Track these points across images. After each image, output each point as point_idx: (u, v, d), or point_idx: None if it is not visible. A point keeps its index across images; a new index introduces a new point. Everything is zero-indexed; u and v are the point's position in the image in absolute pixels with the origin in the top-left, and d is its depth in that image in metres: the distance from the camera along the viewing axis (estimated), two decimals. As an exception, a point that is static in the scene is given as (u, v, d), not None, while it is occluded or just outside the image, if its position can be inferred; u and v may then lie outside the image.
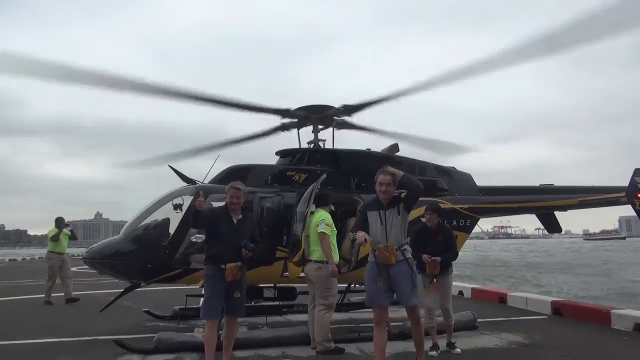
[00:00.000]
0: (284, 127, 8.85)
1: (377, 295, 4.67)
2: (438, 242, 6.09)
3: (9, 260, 41.88)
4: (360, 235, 4.65)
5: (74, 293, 11.24)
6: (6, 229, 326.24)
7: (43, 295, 11.06)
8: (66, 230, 11.63)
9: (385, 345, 4.70)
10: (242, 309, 5.18)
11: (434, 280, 6.12)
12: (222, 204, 5.38)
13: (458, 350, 5.97)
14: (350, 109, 8.33)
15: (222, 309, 5.00)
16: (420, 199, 7.39)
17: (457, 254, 6.39)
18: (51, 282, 11.13)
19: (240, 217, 5.18)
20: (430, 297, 6.15)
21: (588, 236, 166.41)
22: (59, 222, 11.46)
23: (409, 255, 4.72)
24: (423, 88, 7.64)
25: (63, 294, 11.10)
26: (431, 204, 6.43)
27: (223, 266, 4.88)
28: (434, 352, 5.91)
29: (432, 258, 5.94)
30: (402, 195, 4.81)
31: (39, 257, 37.28)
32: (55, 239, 11.36)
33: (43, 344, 6.72)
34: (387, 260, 4.57)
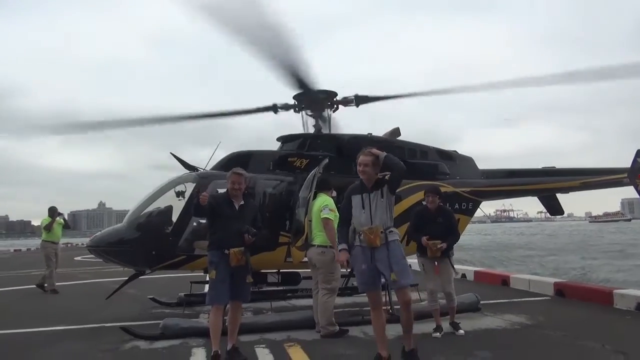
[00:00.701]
0: (276, 109, 8.87)
1: (366, 280, 4.64)
2: (439, 224, 6.08)
3: (14, 250, 42.17)
4: (341, 259, 4.70)
5: (77, 282, 11.31)
6: (10, 219, 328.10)
7: (46, 285, 11.15)
8: (59, 219, 11.70)
9: (384, 328, 4.66)
10: (247, 294, 5.21)
11: (436, 263, 6.13)
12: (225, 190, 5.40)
13: (461, 331, 6.00)
14: (358, 100, 8.43)
15: (227, 294, 5.04)
16: (421, 183, 7.41)
17: (459, 236, 6.40)
18: (50, 270, 11.23)
19: (242, 203, 5.19)
20: (432, 280, 6.17)
21: (593, 218, 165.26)
22: (52, 212, 11.55)
23: (392, 238, 4.57)
24: (428, 93, 8.34)
25: (39, 281, 11.26)
26: (431, 187, 6.43)
27: (227, 252, 4.91)
28: (438, 334, 5.95)
29: (440, 245, 5.92)
30: (386, 177, 4.72)
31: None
32: (48, 228, 11.45)
33: (50, 331, 6.79)
34: (373, 243, 4.51)
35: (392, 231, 4.61)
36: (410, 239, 6.42)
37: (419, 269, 6.49)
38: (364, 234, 4.55)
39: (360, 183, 4.74)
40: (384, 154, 4.65)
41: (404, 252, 4.68)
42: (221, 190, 6.29)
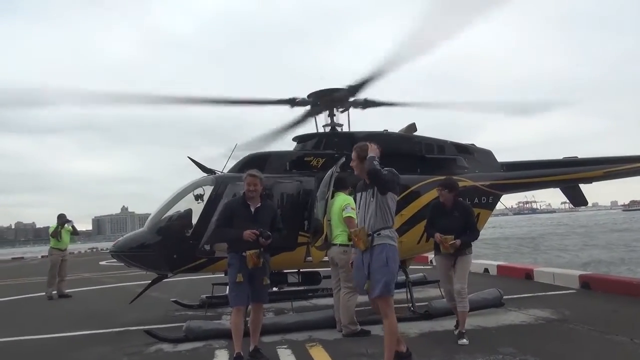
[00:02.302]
0: (293, 102, 8.82)
1: (359, 284, 4.51)
2: (454, 218, 5.81)
3: (42, 257, 43.07)
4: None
5: (102, 286, 11.45)
6: (37, 226, 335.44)
7: (45, 292, 11.32)
8: (67, 227, 11.79)
9: (392, 333, 4.31)
10: (265, 295, 5.25)
11: (454, 260, 5.95)
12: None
13: (465, 341, 5.45)
14: (358, 86, 8.18)
15: (248, 296, 5.07)
16: (439, 178, 7.32)
17: (478, 233, 6.05)
18: (52, 276, 11.33)
19: (258, 205, 5.19)
20: (446, 282, 5.98)
21: (626, 207, 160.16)
22: (59, 219, 11.66)
23: (379, 242, 4.29)
24: (420, 51, 7.52)
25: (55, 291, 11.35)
26: (442, 180, 6.23)
27: (244, 254, 4.93)
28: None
29: (452, 242, 5.65)
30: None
31: (69, 253, 38.19)
32: (54, 235, 11.60)
33: (76, 336, 6.91)
34: (357, 246, 4.40)
35: (380, 234, 4.31)
36: (428, 235, 6.32)
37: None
38: (352, 235, 4.50)
39: (363, 180, 4.63)
40: (375, 151, 4.43)
41: (392, 257, 4.31)
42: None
